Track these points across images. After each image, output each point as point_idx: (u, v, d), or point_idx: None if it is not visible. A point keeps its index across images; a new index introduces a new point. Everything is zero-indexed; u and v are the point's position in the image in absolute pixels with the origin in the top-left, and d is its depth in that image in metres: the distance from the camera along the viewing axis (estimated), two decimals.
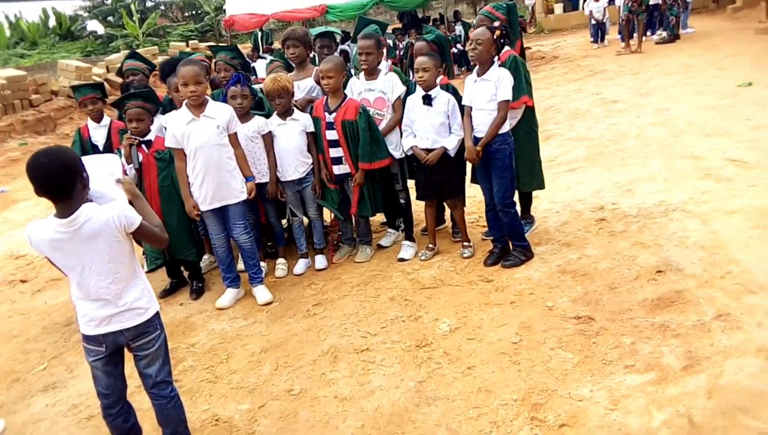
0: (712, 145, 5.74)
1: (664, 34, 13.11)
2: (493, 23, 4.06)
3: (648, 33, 13.74)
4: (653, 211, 4.54)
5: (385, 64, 4.64)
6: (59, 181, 2.29)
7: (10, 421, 3.39)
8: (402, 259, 4.58)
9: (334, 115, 4.39)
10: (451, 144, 4.21)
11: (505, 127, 4.00)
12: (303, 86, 4.72)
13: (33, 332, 4.41)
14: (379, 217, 5.28)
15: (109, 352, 2.56)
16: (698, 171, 5.17)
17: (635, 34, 12.77)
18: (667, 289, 3.48)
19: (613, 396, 2.76)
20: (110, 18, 25.29)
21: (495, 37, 3.87)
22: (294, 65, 4.86)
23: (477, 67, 4.05)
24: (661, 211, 4.49)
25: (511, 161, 4.04)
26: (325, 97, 4.49)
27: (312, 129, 4.47)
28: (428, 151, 4.27)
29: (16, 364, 4.01)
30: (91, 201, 2.49)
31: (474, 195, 4.62)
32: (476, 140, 4.07)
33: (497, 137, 3.97)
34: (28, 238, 2.40)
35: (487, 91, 3.96)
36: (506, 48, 4.13)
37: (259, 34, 12.35)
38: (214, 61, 5.23)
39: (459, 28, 15.55)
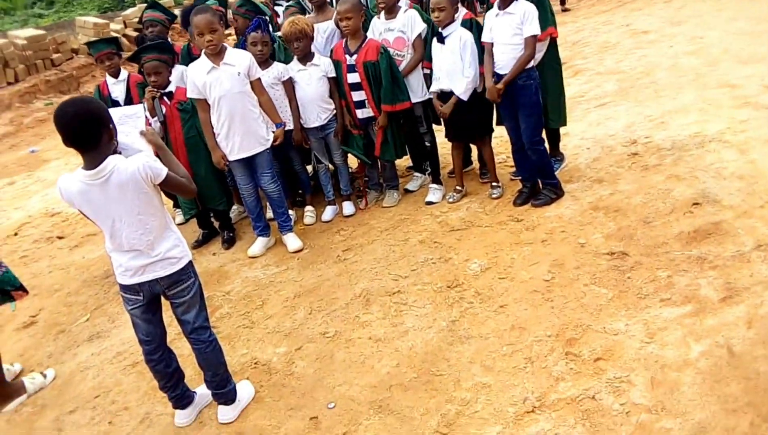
0: (749, 72, 5.49)
1: None
2: None
3: None
4: (688, 142, 4.40)
5: (404, 2, 4.49)
6: (86, 130, 2.29)
7: (59, 370, 3.53)
8: (429, 203, 4.55)
9: (354, 57, 4.30)
10: (460, 89, 4.08)
11: (530, 63, 3.86)
12: (323, 29, 4.60)
13: (74, 286, 4.54)
14: (406, 162, 5.23)
15: (147, 301, 2.61)
16: (735, 99, 4.97)
17: None
18: (704, 221, 3.40)
19: (649, 329, 2.75)
20: None
21: None
22: (313, 7, 4.73)
23: (498, 1, 3.89)
24: (696, 143, 4.35)
25: (537, 97, 3.92)
26: (345, 39, 4.39)
27: (333, 74, 4.38)
28: (442, 93, 4.17)
29: (60, 316, 4.15)
30: (119, 153, 2.49)
31: (501, 135, 4.53)
32: (499, 77, 3.95)
33: (521, 73, 3.84)
34: (59, 191, 2.43)
35: (510, 25, 3.80)
36: None
37: None
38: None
39: None
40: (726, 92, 5.16)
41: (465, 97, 4.09)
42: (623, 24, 8.96)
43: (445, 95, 4.19)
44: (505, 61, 3.89)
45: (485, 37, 4.00)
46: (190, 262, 2.67)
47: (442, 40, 4.09)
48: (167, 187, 2.55)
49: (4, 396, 3.26)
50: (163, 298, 2.69)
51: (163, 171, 2.46)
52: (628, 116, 5.26)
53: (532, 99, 3.90)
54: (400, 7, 4.38)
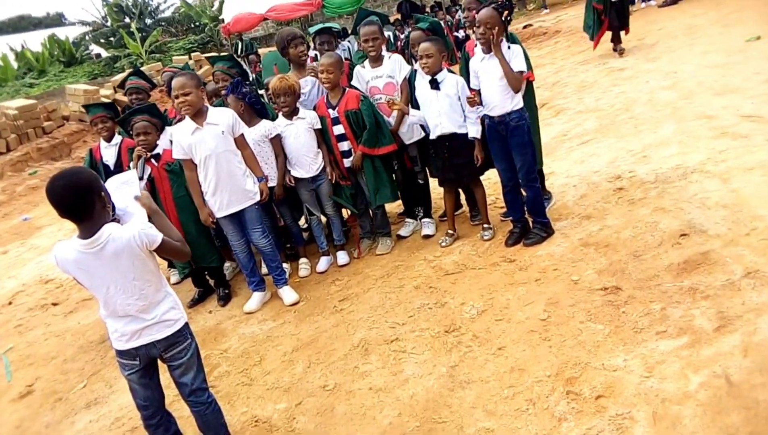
0: (724, 103, 5.66)
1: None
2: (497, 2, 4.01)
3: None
4: (671, 175, 4.50)
5: (385, 51, 4.65)
6: (77, 202, 2.32)
7: None
8: (427, 236, 4.70)
9: (337, 109, 4.42)
10: (473, 132, 4.20)
11: (521, 103, 3.96)
12: (303, 84, 4.72)
13: (70, 352, 4.50)
14: (396, 208, 5.29)
15: (143, 365, 2.61)
16: (713, 130, 5.10)
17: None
18: (693, 252, 3.45)
19: (647, 363, 2.76)
20: (111, 39, 25.52)
21: (503, 18, 3.83)
22: (297, 65, 4.84)
23: (481, 47, 4.01)
24: (679, 175, 4.45)
25: (530, 136, 4.02)
26: (326, 95, 4.52)
27: (319, 126, 4.49)
28: (440, 138, 4.26)
29: (56, 384, 4.10)
30: (117, 219, 2.53)
31: (488, 177, 4.61)
32: (490, 119, 4.06)
33: (514, 114, 3.94)
34: (54, 259, 2.45)
35: (497, 67, 3.88)
36: None
37: (239, 43, 12.54)
38: (212, 72, 5.28)
39: (459, 13, 15.41)
40: (703, 123, 5.30)
41: (479, 136, 4.20)
42: (600, 63, 9.23)
43: (443, 139, 4.26)
44: (495, 101, 3.98)
45: (473, 84, 4.12)
46: (186, 324, 2.68)
47: (437, 86, 4.20)
48: (162, 252, 2.57)
49: None
50: (159, 362, 2.68)
51: (158, 237, 2.49)
52: (610, 152, 5.38)
53: (524, 138, 4.00)
54: (384, 56, 4.54)
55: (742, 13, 9.50)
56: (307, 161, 4.50)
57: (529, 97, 4.32)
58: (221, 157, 4.01)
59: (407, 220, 5.02)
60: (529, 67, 4.22)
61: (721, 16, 9.75)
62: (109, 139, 4.90)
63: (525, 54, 4.20)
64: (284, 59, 4.91)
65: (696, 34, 9.05)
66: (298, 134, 4.45)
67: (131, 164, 4.37)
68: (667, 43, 9.02)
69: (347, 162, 4.54)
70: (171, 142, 4.24)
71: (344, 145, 4.51)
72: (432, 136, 4.32)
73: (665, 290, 3.22)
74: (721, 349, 2.70)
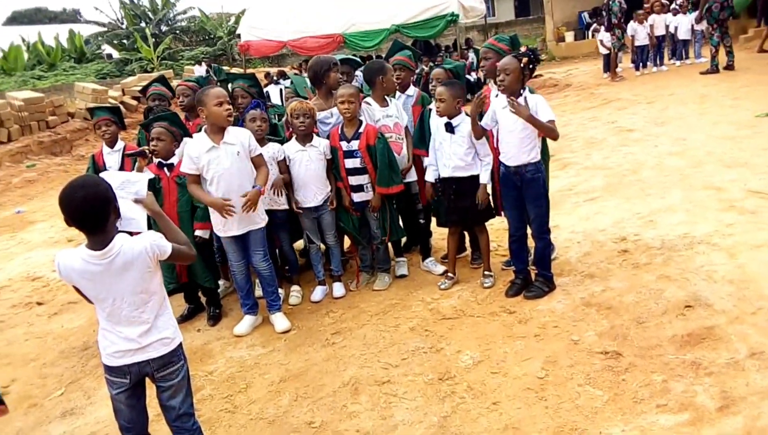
0: (732, 176, 5.69)
1: (677, 63, 13.31)
2: (520, 51, 4.04)
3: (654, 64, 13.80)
4: (677, 243, 4.48)
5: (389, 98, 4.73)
6: (95, 214, 2.29)
7: None
8: (402, 276, 4.78)
9: (354, 143, 4.40)
10: (485, 177, 4.21)
11: (538, 156, 3.95)
12: (327, 115, 4.71)
13: (50, 356, 4.38)
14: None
15: (133, 384, 2.52)
16: (720, 202, 5.11)
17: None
18: (697, 325, 3.40)
19: None
20: (125, 41, 25.70)
21: (522, 65, 3.84)
22: (328, 93, 4.76)
23: (506, 94, 4.00)
24: (685, 244, 4.43)
25: (545, 189, 4.00)
26: (341, 125, 4.50)
27: (330, 156, 4.47)
28: (449, 180, 4.25)
29: (33, 388, 3.96)
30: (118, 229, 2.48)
31: (492, 223, 4.59)
32: (505, 168, 4.04)
33: (530, 166, 3.92)
34: (57, 267, 2.38)
35: (517, 119, 3.84)
36: None
37: (206, 68, 13.01)
38: (231, 87, 5.27)
39: (471, 56, 15.63)
40: (711, 194, 5.32)
41: (489, 182, 4.25)
42: (609, 121, 9.32)
43: (450, 181, 4.26)
44: (512, 152, 3.95)
45: (484, 121, 4.06)
46: (181, 344, 2.61)
47: (451, 130, 4.20)
48: (171, 259, 2.53)
49: None
50: (147, 383, 2.59)
51: (169, 247, 2.46)
52: (616, 212, 5.37)
53: (539, 190, 3.98)
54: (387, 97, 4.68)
55: (753, 88, 9.67)
56: (313, 190, 4.47)
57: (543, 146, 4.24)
58: (234, 177, 3.95)
59: (398, 259, 4.93)
60: None
61: (732, 89, 9.90)
62: (111, 145, 4.87)
63: None
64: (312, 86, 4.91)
65: (706, 104, 9.17)
66: (310, 161, 4.42)
67: (145, 170, 4.35)
68: (678, 110, 9.12)
69: (356, 196, 4.50)
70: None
71: (354, 180, 4.48)
72: (441, 175, 4.31)
73: (667, 362, 3.16)
74: (723, 430, 2.63)
